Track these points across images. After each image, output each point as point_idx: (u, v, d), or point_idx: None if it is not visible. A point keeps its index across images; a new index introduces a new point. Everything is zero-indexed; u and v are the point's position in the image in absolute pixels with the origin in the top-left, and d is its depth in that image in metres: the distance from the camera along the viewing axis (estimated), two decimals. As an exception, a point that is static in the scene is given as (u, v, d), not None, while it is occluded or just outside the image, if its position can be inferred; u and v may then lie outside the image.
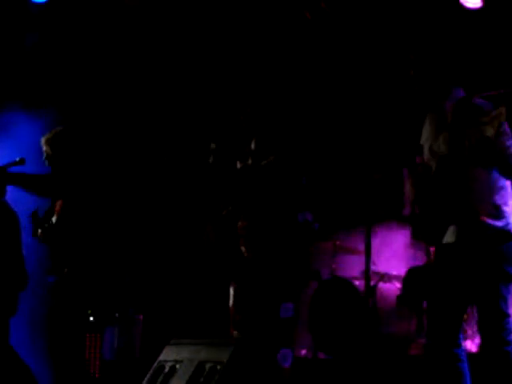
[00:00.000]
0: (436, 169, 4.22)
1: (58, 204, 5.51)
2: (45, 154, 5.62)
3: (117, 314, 5.85)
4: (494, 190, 4.15)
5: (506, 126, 4.09)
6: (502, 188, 4.17)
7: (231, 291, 4.97)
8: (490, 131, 3.91)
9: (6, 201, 5.82)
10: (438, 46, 4.32)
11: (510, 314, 4.03)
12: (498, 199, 4.14)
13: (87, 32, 7.03)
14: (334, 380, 5.70)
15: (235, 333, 4.96)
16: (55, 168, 5.56)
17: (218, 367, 4.19)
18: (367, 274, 6.56)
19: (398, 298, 6.49)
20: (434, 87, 4.24)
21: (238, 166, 4.96)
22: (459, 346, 4.14)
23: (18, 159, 5.54)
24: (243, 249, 4.96)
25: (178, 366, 4.37)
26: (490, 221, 4.09)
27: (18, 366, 5.40)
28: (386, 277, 6.82)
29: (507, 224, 4.11)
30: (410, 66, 4.33)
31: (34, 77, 7.04)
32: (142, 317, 6.27)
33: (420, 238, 4.55)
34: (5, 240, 5.64)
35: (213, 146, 4.87)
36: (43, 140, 5.64)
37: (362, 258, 6.69)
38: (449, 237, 4.19)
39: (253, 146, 4.93)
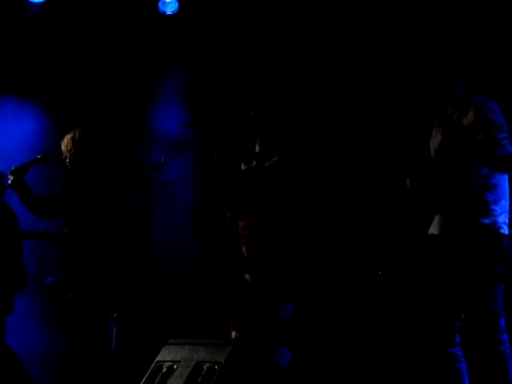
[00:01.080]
0: (435, 164, 4.24)
1: None
2: (64, 155, 5.57)
3: (115, 315, 5.84)
4: (485, 186, 4.12)
5: (493, 118, 4.07)
6: (495, 185, 4.14)
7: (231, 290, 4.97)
8: (466, 120, 3.98)
9: (5, 201, 5.82)
10: (441, 45, 4.31)
11: (501, 314, 4.03)
12: (489, 196, 4.11)
13: (85, 31, 7.04)
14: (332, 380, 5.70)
15: (234, 333, 4.96)
16: (74, 168, 5.52)
17: (216, 367, 4.19)
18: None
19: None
20: (438, 86, 4.25)
21: (243, 167, 4.98)
22: (456, 345, 4.13)
23: (39, 156, 5.50)
24: (243, 248, 4.96)
25: (175, 366, 4.38)
26: (476, 217, 4.07)
27: (14, 364, 5.41)
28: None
29: (494, 222, 4.08)
30: (415, 69, 4.32)
31: (29, 72, 7.06)
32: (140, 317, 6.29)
33: None
34: (4, 240, 5.65)
35: (217, 148, 4.88)
36: (62, 140, 5.60)
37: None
38: (433, 228, 4.20)
39: (257, 148, 4.95)
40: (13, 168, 5.41)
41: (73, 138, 5.51)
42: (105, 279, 5.31)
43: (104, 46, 7.15)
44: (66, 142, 5.54)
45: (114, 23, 7.06)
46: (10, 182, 5.42)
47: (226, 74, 6.97)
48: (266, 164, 4.87)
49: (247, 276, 4.86)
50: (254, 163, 4.92)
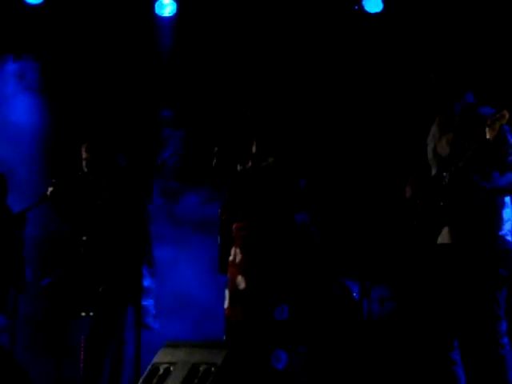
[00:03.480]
0: (437, 170, 4.23)
1: None
2: (84, 161, 5.54)
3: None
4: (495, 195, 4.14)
5: (508, 134, 4.08)
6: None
7: (226, 293, 4.96)
8: (490, 134, 3.89)
9: (7, 205, 5.81)
10: (453, 50, 4.31)
11: (503, 317, 4.04)
12: (498, 205, 4.13)
13: (83, 33, 7.05)
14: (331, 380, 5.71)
15: (230, 334, 4.95)
16: (93, 173, 5.51)
17: (212, 369, 4.19)
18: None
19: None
20: (447, 90, 4.23)
21: (238, 169, 4.98)
22: (455, 349, 4.14)
23: (80, 173, 5.49)
24: (238, 250, 4.96)
25: (172, 368, 4.37)
26: (488, 225, 4.09)
27: (12, 366, 5.40)
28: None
29: (503, 229, 4.11)
30: (428, 73, 4.32)
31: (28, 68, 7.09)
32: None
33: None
34: (7, 243, 5.64)
35: (216, 149, 4.89)
36: (83, 146, 5.58)
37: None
38: (444, 238, 4.20)
39: (254, 149, 4.96)
40: (54, 180, 5.44)
41: (92, 144, 5.50)
42: (120, 286, 5.34)
43: (101, 46, 7.17)
44: (86, 149, 5.52)
45: (112, 24, 7.09)
46: (48, 193, 5.44)
47: (224, 75, 6.99)
48: (262, 165, 4.87)
49: (240, 278, 4.85)
50: (250, 164, 4.92)
